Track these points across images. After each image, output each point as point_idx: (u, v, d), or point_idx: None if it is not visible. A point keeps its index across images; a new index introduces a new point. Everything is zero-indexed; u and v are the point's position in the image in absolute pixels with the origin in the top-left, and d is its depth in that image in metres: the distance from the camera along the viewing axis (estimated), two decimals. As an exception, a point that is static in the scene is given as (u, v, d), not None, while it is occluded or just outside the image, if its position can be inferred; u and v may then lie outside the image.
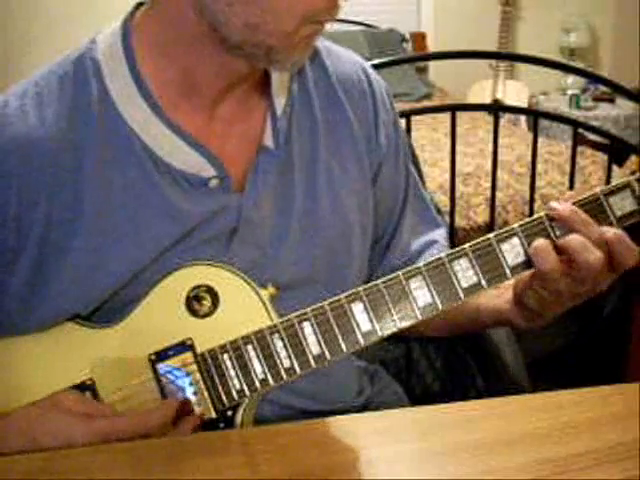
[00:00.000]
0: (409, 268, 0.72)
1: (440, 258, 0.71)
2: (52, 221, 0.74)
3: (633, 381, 0.74)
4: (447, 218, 1.93)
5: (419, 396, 1.24)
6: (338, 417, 0.73)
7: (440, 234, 0.97)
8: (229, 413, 0.73)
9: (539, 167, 2.16)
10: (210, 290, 0.74)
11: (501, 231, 0.72)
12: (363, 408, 0.94)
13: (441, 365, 1.30)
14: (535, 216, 0.72)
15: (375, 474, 0.64)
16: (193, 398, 0.73)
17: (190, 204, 0.77)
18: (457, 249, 0.72)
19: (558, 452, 0.65)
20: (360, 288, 0.72)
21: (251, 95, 0.82)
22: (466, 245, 0.72)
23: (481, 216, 2.24)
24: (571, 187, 1.86)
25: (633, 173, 0.73)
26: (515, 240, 0.72)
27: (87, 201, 0.74)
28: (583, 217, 0.71)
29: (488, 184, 2.02)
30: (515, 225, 0.72)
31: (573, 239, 0.70)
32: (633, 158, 2.81)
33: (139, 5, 0.81)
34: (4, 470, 0.66)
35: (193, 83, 0.78)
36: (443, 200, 2.13)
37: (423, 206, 0.98)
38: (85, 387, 0.75)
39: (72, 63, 0.77)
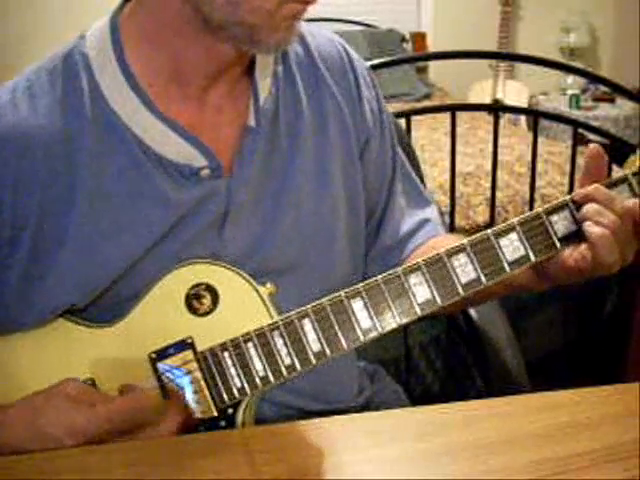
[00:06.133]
0: (408, 264, 0.72)
1: (439, 254, 0.72)
2: (46, 212, 0.75)
3: (633, 381, 0.74)
4: (447, 218, 1.94)
5: (419, 396, 1.25)
6: (338, 417, 0.74)
7: (431, 212, 0.97)
8: (230, 411, 0.73)
9: (539, 167, 2.16)
10: (210, 288, 0.74)
11: (499, 226, 0.73)
12: (363, 408, 0.94)
13: (441, 365, 1.30)
14: (533, 211, 0.73)
15: (375, 474, 0.64)
16: (194, 396, 0.73)
17: (181, 192, 0.78)
18: (456, 245, 0.72)
19: (558, 452, 0.65)
20: (359, 285, 0.72)
21: (240, 82, 0.83)
22: (464, 240, 0.72)
23: (481, 216, 2.23)
24: (571, 187, 1.86)
25: (634, 173, 0.73)
26: (513, 235, 0.72)
27: (81, 191, 0.75)
28: (604, 192, 0.71)
29: (488, 184, 2.02)
30: (514, 220, 0.73)
31: (589, 207, 0.71)
32: (633, 158, 2.80)
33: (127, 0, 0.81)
34: (4, 470, 0.66)
35: (181, 71, 0.78)
36: (443, 200, 2.13)
37: (412, 185, 0.98)
38: None
39: (62, 58, 0.78)
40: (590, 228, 0.70)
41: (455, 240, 0.92)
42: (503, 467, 0.63)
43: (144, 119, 0.77)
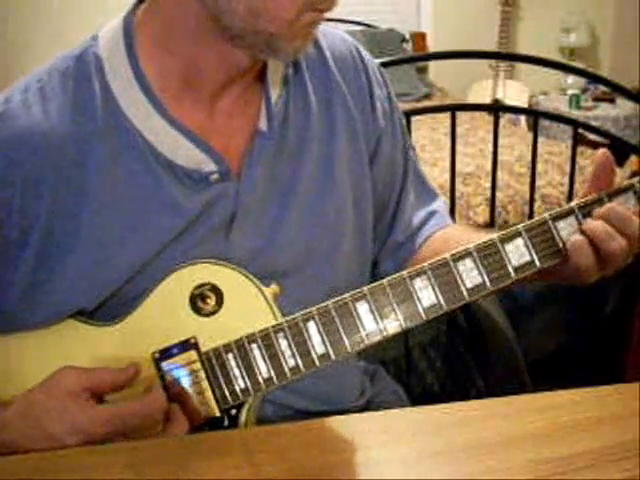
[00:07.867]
0: (414, 268, 0.72)
1: (445, 258, 0.72)
2: (56, 215, 0.74)
3: (633, 381, 0.75)
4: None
5: (419, 396, 1.25)
6: (338, 417, 0.74)
7: (439, 205, 0.98)
8: (233, 412, 0.74)
9: (539, 167, 2.16)
10: (215, 289, 0.74)
11: (505, 232, 0.73)
12: (364, 409, 0.94)
13: (441, 365, 1.30)
14: (539, 217, 0.73)
15: (375, 474, 0.65)
16: (197, 397, 0.73)
17: (191, 197, 0.78)
18: (461, 249, 0.72)
19: (558, 452, 0.65)
20: (365, 288, 0.72)
21: (250, 88, 0.83)
22: (470, 245, 0.72)
23: (481, 216, 2.24)
24: (571, 187, 1.86)
25: (633, 173, 0.74)
26: (519, 241, 0.73)
27: (91, 195, 0.75)
28: (618, 212, 0.72)
29: (488, 184, 2.02)
30: (519, 226, 0.73)
31: (599, 227, 0.71)
32: (633, 158, 2.81)
33: (140, 1, 0.81)
34: (4, 470, 0.66)
35: (195, 76, 0.78)
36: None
37: (421, 180, 0.99)
38: None
39: (74, 59, 0.78)
40: (570, 236, 0.72)
41: (463, 230, 0.92)
42: (502, 467, 0.63)
43: (155, 124, 0.77)
